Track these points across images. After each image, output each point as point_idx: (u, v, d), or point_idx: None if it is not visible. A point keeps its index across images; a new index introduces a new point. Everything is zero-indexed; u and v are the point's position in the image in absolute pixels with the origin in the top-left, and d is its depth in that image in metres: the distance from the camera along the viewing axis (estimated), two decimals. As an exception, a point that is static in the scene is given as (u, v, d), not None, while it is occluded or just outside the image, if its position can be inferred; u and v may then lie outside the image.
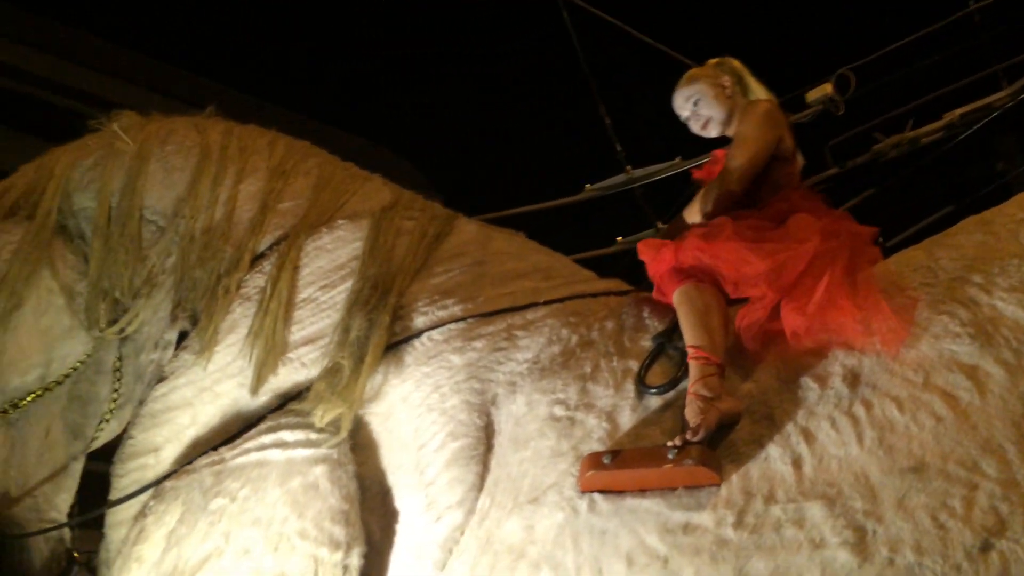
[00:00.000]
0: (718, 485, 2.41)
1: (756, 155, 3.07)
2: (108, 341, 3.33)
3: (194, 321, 3.29)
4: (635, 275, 3.21)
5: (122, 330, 3.31)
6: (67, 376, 3.28)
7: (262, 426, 3.01)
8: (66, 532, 3.26)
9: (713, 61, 3.32)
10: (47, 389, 3.24)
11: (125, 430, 3.31)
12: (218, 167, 3.45)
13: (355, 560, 2.75)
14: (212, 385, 3.14)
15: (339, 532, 2.76)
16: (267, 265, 3.27)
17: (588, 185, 5.29)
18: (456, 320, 3.05)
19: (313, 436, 2.93)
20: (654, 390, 2.72)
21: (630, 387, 2.73)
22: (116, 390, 3.39)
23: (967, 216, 2.81)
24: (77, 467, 3.35)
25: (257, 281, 3.25)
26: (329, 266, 3.25)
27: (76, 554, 3.26)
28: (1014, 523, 2.10)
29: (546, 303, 3.09)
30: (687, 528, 2.37)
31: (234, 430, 3.05)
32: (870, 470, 2.30)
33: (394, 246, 3.26)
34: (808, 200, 3.04)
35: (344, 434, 2.92)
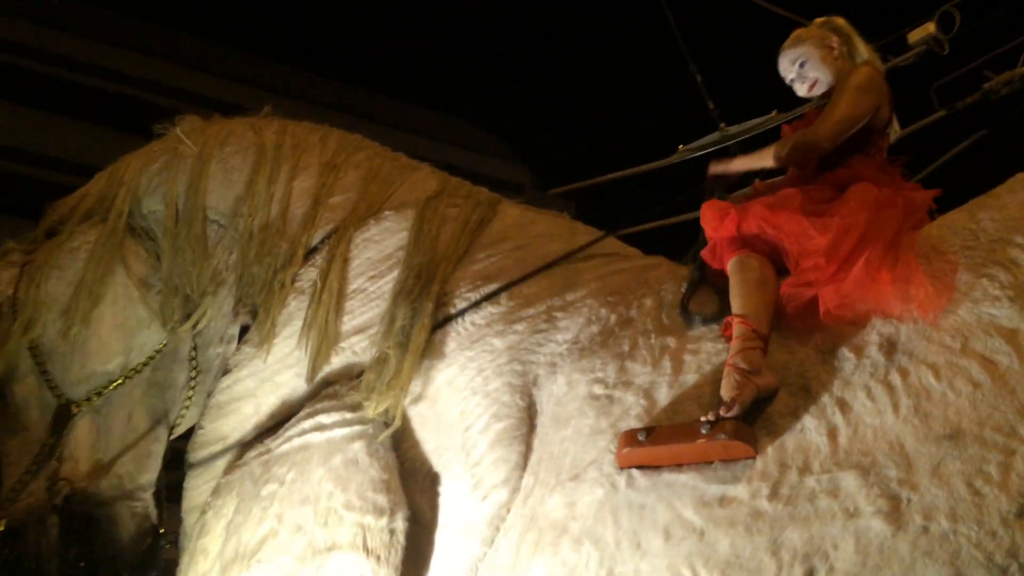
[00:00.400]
0: (753, 458, 2.42)
1: (851, 117, 3.01)
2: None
3: (254, 315, 3.44)
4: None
5: (195, 325, 3.52)
6: (145, 364, 3.52)
7: (301, 413, 3.13)
8: (151, 509, 3.46)
9: (819, 20, 3.24)
10: (127, 377, 3.48)
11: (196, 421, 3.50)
12: (273, 165, 3.61)
13: (400, 524, 2.85)
14: (272, 376, 3.29)
15: (382, 499, 2.86)
16: (319, 259, 3.39)
17: (681, 146, 5.19)
18: (491, 296, 3.10)
19: (348, 416, 3.04)
20: (700, 318, 2.76)
21: (667, 364, 2.74)
22: (193, 377, 3.62)
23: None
24: (158, 448, 3.55)
25: (310, 275, 3.37)
26: (377, 256, 3.35)
27: (162, 530, 3.47)
28: (1051, 487, 2.06)
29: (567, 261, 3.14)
30: (723, 501, 2.39)
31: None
32: (905, 438, 2.29)
33: (438, 234, 3.33)
34: (870, 169, 2.97)
35: (398, 423, 3.01)
